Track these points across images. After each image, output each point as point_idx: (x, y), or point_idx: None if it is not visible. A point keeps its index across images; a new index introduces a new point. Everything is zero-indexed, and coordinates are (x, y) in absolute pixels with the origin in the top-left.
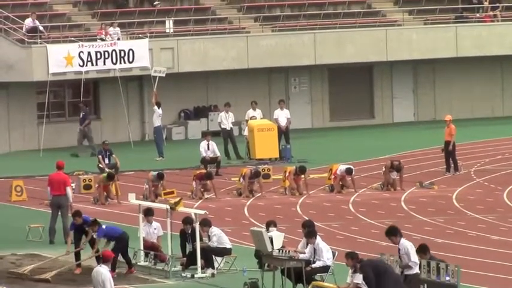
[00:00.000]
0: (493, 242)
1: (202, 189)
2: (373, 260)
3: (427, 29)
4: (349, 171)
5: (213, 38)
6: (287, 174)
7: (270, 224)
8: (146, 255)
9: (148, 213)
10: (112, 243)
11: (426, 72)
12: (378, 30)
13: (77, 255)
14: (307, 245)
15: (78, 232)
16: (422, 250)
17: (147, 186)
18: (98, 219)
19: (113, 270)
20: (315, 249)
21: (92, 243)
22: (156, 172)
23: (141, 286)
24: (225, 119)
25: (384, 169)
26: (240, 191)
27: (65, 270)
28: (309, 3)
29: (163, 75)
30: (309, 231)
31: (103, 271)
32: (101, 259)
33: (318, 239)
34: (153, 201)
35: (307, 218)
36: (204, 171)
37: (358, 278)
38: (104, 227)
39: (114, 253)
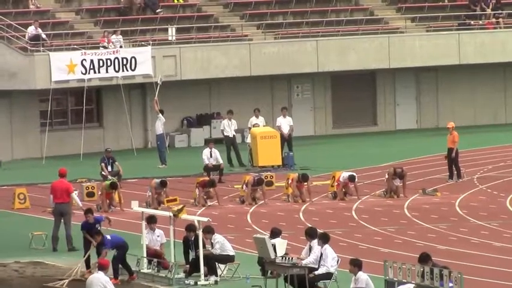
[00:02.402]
0: (496, 249)
1: (205, 197)
2: None
3: (430, 36)
4: (352, 179)
5: (216, 46)
6: (290, 181)
7: (275, 234)
8: (149, 262)
9: (151, 220)
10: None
11: (429, 80)
12: (380, 37)
13: (87, 260)
14: (309, 250)
15: (88, 232)
16: (423, 260)
17: (150, 194)
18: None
19: (115, 278)
20: (321, 254)
21: (98, 249)
22: (159, 179)
23: None
24: (228, 127)
25: (386, 176)
26: (243, 198)
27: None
28: (312, 11)
29: (160, 83)
30: (325, 234)
31: (100, 276)
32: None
33: (327, 247)
34: (156, 209)
35: (310, 225)
36: (207, 178)
37: (362, 283)
38: (108, 237)
39: (116, 261)
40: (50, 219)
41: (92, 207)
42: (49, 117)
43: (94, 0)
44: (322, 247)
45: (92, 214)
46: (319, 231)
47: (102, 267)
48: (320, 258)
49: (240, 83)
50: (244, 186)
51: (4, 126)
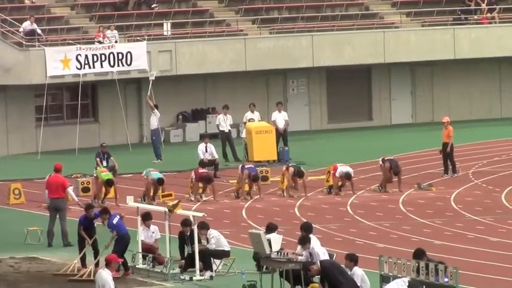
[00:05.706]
0: (492, 244)
1: (201, 187)
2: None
3: (425, 31)
4: (348, 176)
5: (211, 41)
6: (284, 169)
7: (270, 229)
8: (144, 257)
9: (146, 218)
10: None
11: (424, 74)
12: (375, 32)
13: (83, 258)
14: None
15: (86, 229)
16: (418, 256)
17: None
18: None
19: (117, 270)
20: (310, 254)
21: (94, 246)
22: (157, 177)
23: None
24: (223, 122)
25: (380, 163)
26: (238, 192)
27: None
28: (307, 6)
29: (153, 78)
30: (303, 237)
31: (103, 274)
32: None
33: (314, 243)
34: (151, 203)
35: (305, 220)
36: (205, 171)
37: (357, 278)
38: (115, 220)
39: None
40: (45, 214)
41: (88, 202)
42: (44, 113)
43: None
44: (309, 248)
45: (93, 209)
46: (314, 225)
47: (107, 264)
48: (310, 258)
49: (235, 78)
50: (239, 170)
51: None
